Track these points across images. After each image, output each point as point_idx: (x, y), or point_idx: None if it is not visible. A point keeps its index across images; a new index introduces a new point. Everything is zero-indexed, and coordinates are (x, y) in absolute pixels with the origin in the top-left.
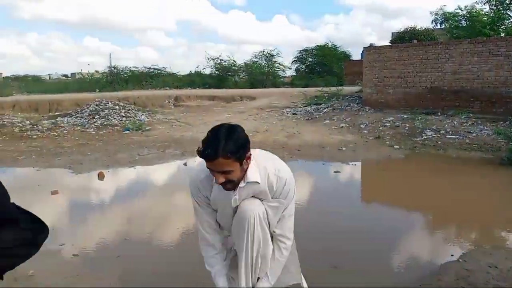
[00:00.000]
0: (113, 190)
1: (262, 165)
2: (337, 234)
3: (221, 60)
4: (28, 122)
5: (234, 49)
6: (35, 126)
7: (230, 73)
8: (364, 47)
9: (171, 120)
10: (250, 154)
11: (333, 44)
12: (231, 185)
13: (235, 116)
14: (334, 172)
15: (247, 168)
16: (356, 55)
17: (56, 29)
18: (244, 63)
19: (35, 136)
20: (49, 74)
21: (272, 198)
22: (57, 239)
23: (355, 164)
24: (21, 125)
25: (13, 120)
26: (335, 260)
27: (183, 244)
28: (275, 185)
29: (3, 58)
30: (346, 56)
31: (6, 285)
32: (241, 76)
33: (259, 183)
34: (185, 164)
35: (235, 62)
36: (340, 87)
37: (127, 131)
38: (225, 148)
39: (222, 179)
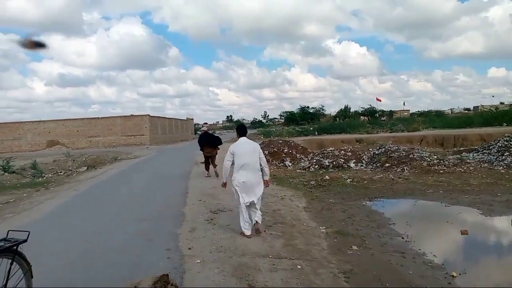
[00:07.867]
0: None
1: None
2: None
3: None
4: (435, 156)
5: None
6: (441, 161)
7: None
8: None
9: None
10: None
11: None
12: None
13: None
14: None
15: None
16: None
17: (461, 64)
18: None
19: (441, 171)
20: (451, 109)
21: None
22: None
23: None
24: (428, 159)
25: (422, 154)
26: None
27: None
28: None
29: (411, 96)
30: None
31: None
32: None
33: None
34: None
35: None
36: None
37: None
38: None
39: None
